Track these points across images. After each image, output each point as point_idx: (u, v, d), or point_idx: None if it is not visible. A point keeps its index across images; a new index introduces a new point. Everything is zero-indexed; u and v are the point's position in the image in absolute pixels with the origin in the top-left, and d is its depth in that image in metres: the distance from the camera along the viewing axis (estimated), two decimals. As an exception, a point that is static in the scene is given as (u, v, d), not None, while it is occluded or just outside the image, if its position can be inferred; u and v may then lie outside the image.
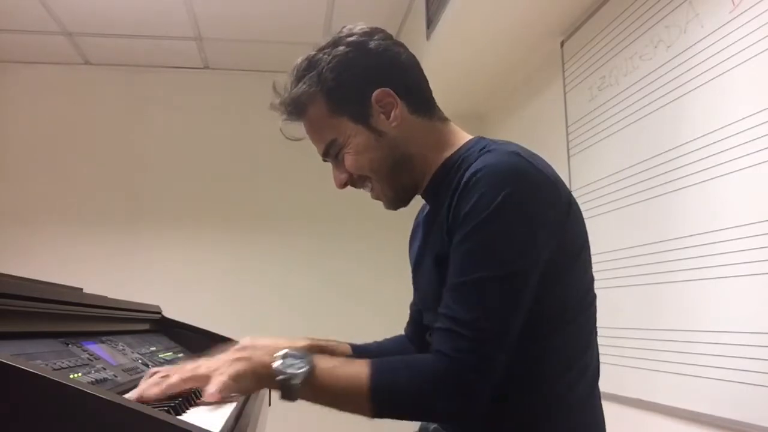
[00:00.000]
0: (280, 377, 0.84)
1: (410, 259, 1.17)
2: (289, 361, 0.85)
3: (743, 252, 1.49)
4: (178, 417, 0.86)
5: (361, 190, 1.09)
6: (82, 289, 1.43)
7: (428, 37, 2.72)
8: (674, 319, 1.75)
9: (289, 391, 0.84)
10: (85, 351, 1.12)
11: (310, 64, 1.01)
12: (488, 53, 2.69)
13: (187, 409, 0.95)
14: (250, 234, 3.60)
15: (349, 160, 1.01)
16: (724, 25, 1.56)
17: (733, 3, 1.53)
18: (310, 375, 0.84)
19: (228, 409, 0.91)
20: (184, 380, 0.87)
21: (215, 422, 0.82)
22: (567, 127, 2.43)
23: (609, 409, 2.09)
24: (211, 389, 0.84)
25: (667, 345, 1.77)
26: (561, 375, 0.89)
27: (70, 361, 1.00)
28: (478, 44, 2.60)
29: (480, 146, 0.98)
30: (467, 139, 1.04)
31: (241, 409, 1.00)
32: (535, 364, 0.92)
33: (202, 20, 3.20)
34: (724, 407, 1.55)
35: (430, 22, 2.68)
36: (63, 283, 1.33)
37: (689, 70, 1.69)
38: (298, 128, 1.05)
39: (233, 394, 0.89)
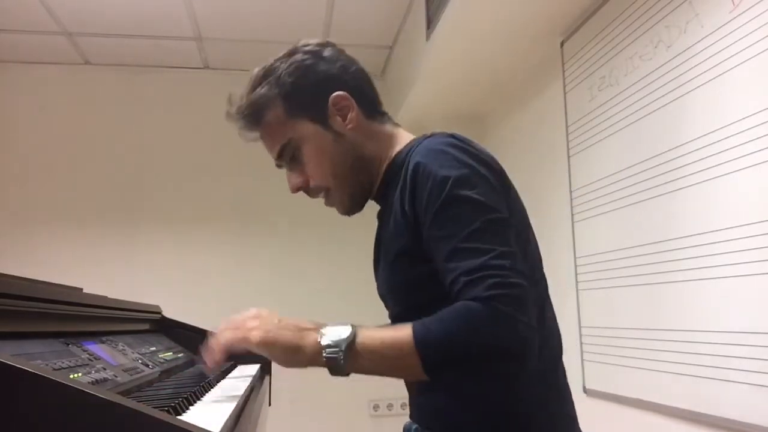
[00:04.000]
0: (327, 349, 0.85)
1: None
2: (331, 333, 0.87)
3: (743, 252, 1.49)
4: (178, 417, 0.86)
5: None
6: (82, 289, 1.43)
7: (428, 37, 2.72)
8: (674, 319, 1.75)
9: (334, 362, 0.85)
10: (85, 351, 1.12)
11: (267, 71, 1.06)
12: (488, 53, 2.69)
13: (187, 408, 0.95)
14: (251, 234, 3.60)
15: (310, 165, 1.05)
16: (724, 25, 1.56)
17: (733, 3, 1.53)
18: (352, 343, 0.85)
19: (228, 409, 0.91)
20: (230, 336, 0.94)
21: (215, 422, 0.83)
22: (567, 127, 2.43)
23: (609, 409, 2.09)
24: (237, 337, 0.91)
25: (667, 345, 1.77)
26: None
27: (70, 361, 1.00)
28: (478, 45, 2.61)
29: (420, 139, 1.02)
30: (412, 138, 1.09)
31: (241, 409, 1.00)
32: None
33: (202, 20, 3.20)
34: (725, 407, 1.55)
35: (430, 23, 2.68)
36: (63, 283, 1.33)
37: (689, 70, 1.69)
38: (255, 133, 1.08)
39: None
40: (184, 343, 1.83)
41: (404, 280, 0.99)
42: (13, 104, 3.57)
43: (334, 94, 1.03)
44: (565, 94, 2.44)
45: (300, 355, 0.87)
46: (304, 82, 1.03)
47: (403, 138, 1.10)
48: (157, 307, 1.90)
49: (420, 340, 0.83)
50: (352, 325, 0.88)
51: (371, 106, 1.09)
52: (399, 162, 1.04)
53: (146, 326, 1.78)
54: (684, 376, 1.70)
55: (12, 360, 0.58)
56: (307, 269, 3.63)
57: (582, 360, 2.28)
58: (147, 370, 1.29)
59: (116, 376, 1.09)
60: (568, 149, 2.42)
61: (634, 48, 1.96)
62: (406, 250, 0.96)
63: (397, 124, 1.13)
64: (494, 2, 2.27)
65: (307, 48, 1.06)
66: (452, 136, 0.98)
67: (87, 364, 1.05)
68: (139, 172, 3.60)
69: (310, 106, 1.03)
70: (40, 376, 0.57)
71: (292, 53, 1.06)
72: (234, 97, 1.07)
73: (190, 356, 1.74)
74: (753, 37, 1.47)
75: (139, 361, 1.32)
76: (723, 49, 1.56)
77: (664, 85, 1.80)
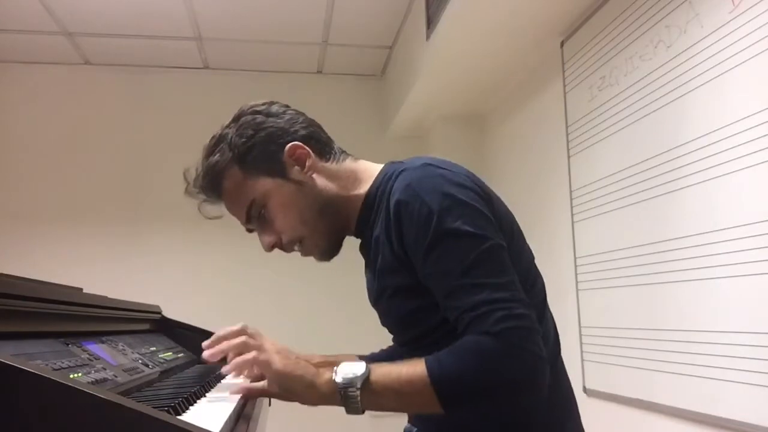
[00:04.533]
0: (342, 386, 0.86)
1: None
2: (345, 370, 0.87)
3: (743, 252, 1.49)
4: (178, 417, 0.86)
5: None
6: (82, 289, 1.43)
7: (428, 37, 2.72)
8: (674, 319, 1.75)
9: (350, 399, 0.86)
10: (85, 351, 1.12)
11: (218, 139, 1.07)
12: (488, 53, 2.69)
13: (187, 408, 0.95)
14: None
15: (279, 219, 1.05)
16: (724, 25, 1.56)
17: (733, 3, 1.53)
18: (368, 381, 0.86)
19: (228, 409, 0.91)
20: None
21: (215, 422, 0.82)
22: (567, 127, 2.43)
23: (609, 409, 2.10)
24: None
25: (667, 345, 1.77)
26: None
27: (70, 361, 1.00)
28: (478, 44, 2.61)
29: (392, 171, 1.02)
30: (379, 170, 1.08)
31: (242, 409, 1.00)
32: None
33: (202, 20, 3.20)
34: (724, 407, 1.55)
35: (430, 23, 2.68)
36: (63, 283, 1.33)
37: (689, 70, 1.69)
38: (217, 207, 1.09)
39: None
40: (184, 343, 1.83)
41: (407, 311, 1.00)
42: (13, 104, 3.57)
43: (288, 144, 1.04)
44: (565, 94, 2.44)
45: (314, 392, 0.88)
46: (255, 140, 1.04)
47: (368, 170, 1.09)
48: (157, 307, 1.90)
49: (435, 377, 0.84)
50: (366, 364, 0.88)
51: (325, 148, 1.09)
52: (373, 197, 1.04)
53: (146, 326, 1.78)
54: (684, 376, 1.70)
55: (12, 360, 0.58)
56: (307, 270, 3.62)
57: (582, 360, 2.28)
58: (147, 370, 1.28)
59: (116, 376, 1.09)
60: (568, 149, 2.42)
61: (634, 48, 1.96)
62: (404, 285, 0.97)
63: (356, 158, 1.12)
64: (494, 2, 2.27)
65: (252, 109, 1.08)
66: (425, 164, 0.97)
67: (87, 364, 1.05)
68: (139, 172, 3.60)
69: (266, 161, 1.04)
70: (40, 376, 0.57)
71: (238, 117, 1.07)
72: (189, 174, 1.08)
73: (190, 356, 1.74)
74: (753, 37, 1.47)
75: (139, 361, 1.32)
76: (723, 49, 1.56)
77: (664, 85, 1.80)
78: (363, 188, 1.07)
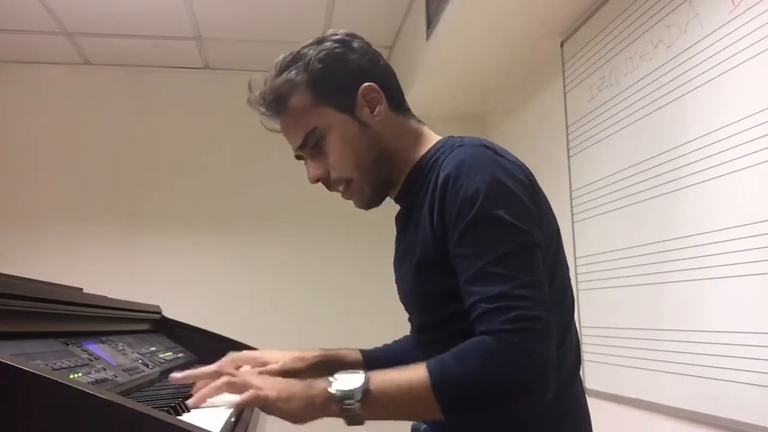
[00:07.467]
0: (339, 398, 0.82)
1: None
2: (341, 381, 0.84)
3: (743, 252, 1.49)
4: (178, 417, 0.86)
5: None
6: (82, 289, 1.43)
7: (428, 37, 2.72)
8: (674, 319, 1.75)
9: (349, 412, 0.82)
10: (85, 351, 1.12)
11: (296, 57, 1.03)
12: (488, 53, 2.69)
13: (187, 409, 0.95)
14: (250, 234, 3.59)
15: (334, 154, 1.01)
16: (724, 25, 1.56)
17: (733, 3, 1.53)
18: (367, 391, 0.82)
19: (228, 409, 0.91)
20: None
21: (215, 422, 0.82)
22: (567, 127, 2.43)
23: (609, 409, 2.10)
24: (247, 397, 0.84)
25: (667, 345, 1.77)
26: None
27: (70, 361, 1.00)
28: (478, 44, 2.61)
29: (450, 144, 1.00)
30: (438, 139, 1.07)
31: (242, 409, 1.00)
32: None
33: (202, 20, 3.20)
34: (724, 407, 1.55)
35: (430, 23, 2.68)
36: (63, 283, 1.33)
37: (689, 70, 1.69)
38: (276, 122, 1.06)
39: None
40: (184, 343, 1.83)
41: (429, 292, 0.97)
42: (13, 104, 3.57)
43: (364, 84, 1.01)
44: (565, 94, 2.44)
45: (313, 406, 0.83)
46: (333, 70, 1.01)
47: (429, 137, 1.08)
48: (157, 307, 1.90)
49: (437, 383, 0.81)
50: (365, 372, 0.84)
51: (398, 100, 1.07)
52: (425, 164, 1.02)
53: (146, 326, 1.78)
54: (684, 376, 1.69)
55: (12, 360, 0.58)
56: (307, 270, 3.63)
57: (582, 360, 2.28)
58: (147, 370, 1.29)
59: (116, 376, 1.09)
60: (568, 149, 2.42)
61: (634, 48, 1.96)
62: (433, 263, 0.94)
63: (421, 122, 1.11)
64: (494, 2, 2.26)
65: (336, 37, 1.04)
66: (483, 145, 0.96)
67: (87, 364, 1.05)
68: (139, 172, 3.60)
69: (339, 94, 1.01)
70: (40, 376, 0.57)
71: (321, 41, 1.03)
72: (255, 83, 1.04)
73: (190, 356, 1.74)
74: (753, 37, 1.47)
75: (139, 361, 1.32)
76: (723, 49, 1.56)
77: (664, 85, 1.80)
78: (419, 152, 1.05)
